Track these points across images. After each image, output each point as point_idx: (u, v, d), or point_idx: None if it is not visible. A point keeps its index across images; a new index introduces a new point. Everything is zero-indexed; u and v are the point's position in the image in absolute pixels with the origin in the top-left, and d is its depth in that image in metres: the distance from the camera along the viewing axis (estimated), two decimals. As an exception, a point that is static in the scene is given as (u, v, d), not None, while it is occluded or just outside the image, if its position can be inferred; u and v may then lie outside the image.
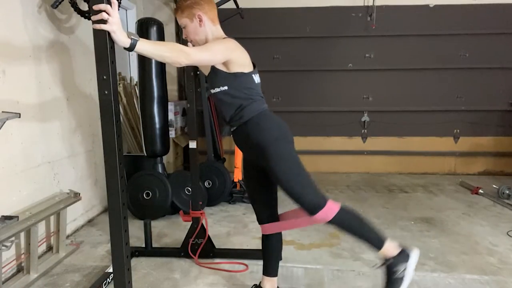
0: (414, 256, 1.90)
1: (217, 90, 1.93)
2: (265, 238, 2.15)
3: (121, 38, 1.40)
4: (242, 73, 1.89)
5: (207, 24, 1.95)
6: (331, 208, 1.82)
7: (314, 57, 5.14)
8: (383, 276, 1.91)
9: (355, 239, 1.89)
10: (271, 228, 2.11)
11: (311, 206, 1.82)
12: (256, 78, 1.98)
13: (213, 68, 1.89)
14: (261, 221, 2.13)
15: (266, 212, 2.11)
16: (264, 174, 1.96)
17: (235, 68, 1.87)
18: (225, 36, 1.99)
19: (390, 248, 1.88)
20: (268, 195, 2.11)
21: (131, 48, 1.45)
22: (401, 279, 1.86)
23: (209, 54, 1.78)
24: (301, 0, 5.03)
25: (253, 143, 1.91)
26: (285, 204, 4.00)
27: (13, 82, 2.56)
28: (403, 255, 1.88)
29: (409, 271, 1.87)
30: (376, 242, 1.88)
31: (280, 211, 2.16)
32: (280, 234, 2.18)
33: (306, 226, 1.98)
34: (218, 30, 2.00)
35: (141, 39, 1.48)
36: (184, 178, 3.72)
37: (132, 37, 1.44)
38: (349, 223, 1.87)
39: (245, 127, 1.93)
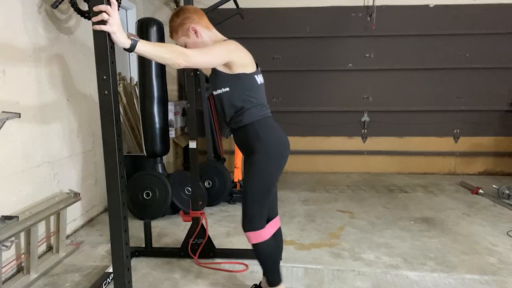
0: None
1: (219, 91, 1.93)
2: None
3: (121, 39, 1.41)
4: (245, 74, 1.89)
5: (203, 33, 1.95)
6: (257, 236, 1.95)
7: (314, 57, 5.13)
8: None
9: (261, 267, 2.10)
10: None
11: (246, 223, 1.96)
12: (259, 79, 1.98)
13: (214, 70, 1.89)
14: None
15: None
16: None
17: (237, 69, 1.87)
18: (225, 38, 1.99)
19: None
20: None
21: (131, 49, 1.45)
22: None
23: (208, 56, 1.78)
24: (301, 0, 5.02)
25: (248, 148, 1.96)
26: (285, 204, 4.00)
27: (13, 82, 2.56)
28: None
29: None
30: (273, 280, 2.08)
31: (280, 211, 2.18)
32: (280, 235, 2.19)
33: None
34: (215, 34, 2.00)
35: (141, 40, 1.48)
36: (184, 178, 3.72)
37: (132, 37, 1.45)
38: (264, 257, 2.02)
39: (244, 131, 1.95)
